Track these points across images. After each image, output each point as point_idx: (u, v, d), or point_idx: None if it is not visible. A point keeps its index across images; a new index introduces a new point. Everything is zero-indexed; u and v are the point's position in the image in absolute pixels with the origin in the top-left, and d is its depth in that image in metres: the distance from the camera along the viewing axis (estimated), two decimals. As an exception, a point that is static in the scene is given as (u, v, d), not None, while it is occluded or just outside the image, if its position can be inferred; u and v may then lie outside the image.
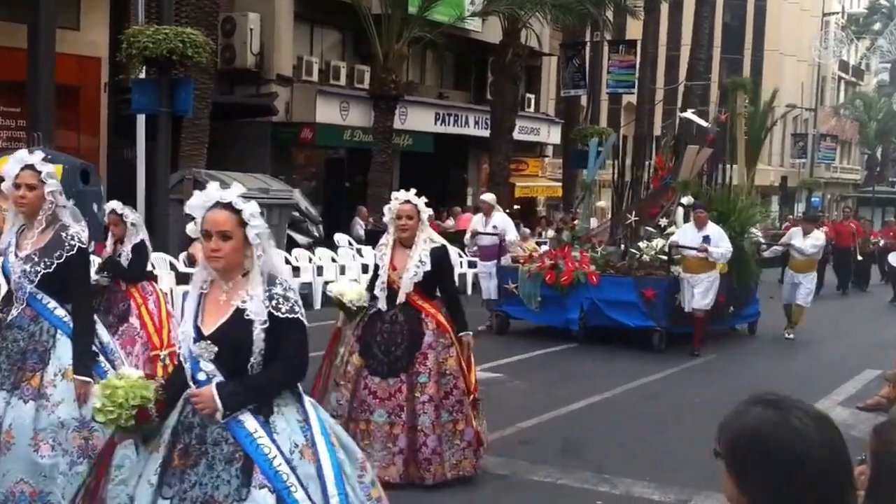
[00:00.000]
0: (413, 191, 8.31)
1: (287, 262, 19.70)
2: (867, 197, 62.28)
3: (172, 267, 16.73)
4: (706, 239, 15.07)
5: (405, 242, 8.15)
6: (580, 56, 37.42)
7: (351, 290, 8.40)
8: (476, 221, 17.88)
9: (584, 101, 39.71)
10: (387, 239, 8.30)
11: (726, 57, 70.19)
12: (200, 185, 20.01)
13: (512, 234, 17.45)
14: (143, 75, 19.23)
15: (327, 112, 28.86)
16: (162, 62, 18.03)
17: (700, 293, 15.20)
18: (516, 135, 32.89)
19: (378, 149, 26.97)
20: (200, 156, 21.51)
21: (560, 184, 38.77)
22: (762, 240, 19.17)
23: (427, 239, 8.15)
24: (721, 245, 15.08)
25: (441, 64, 34.07)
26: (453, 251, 10.80)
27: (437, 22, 27.68)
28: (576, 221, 20.30)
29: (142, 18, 20.32)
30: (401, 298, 8.05)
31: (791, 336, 17.75)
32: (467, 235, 17.94)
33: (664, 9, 41.98)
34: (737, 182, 20.18)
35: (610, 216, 19.84)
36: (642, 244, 16.72)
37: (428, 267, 8.04)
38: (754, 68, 71.48)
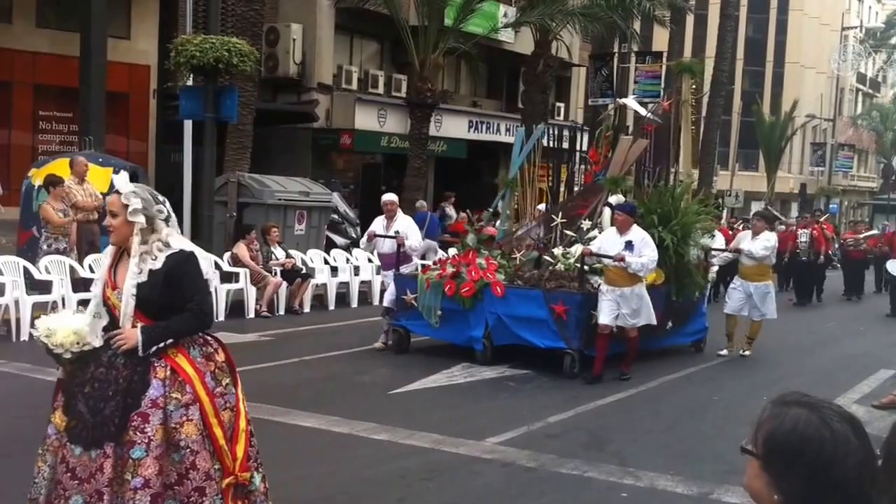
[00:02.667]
0: (123, 176, 5.59)
1: (325, 262, 19.71)
2: (882, 204, 61.95)
3: (217, 266, 16.72)
4: (628, 246, 12.22)
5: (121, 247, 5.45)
6: (608, 66, 37.26)
7: (64, 327, 5.39)
8: (376, 224, 14.77)
9: (611, 109, 39.44)
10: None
11: (749, 69, 70.04)
12: (244, 189, 20.14)
13: (414, 240, 14.56)
14: (190, 83, 19.26)
15: (366, 119, 28.88)
16: (208, 70, 18.05)
17: (630, 311, 12.37)
18: (545, 142, 32.81)
19: (414, 154, 26.92)
20: (244, 160, 21.52)
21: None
22: (713, 245, 16.13)
23: (157, 242, 5.25)
24: (644, 254, 12.19)
25: (475, 74, 33.97)
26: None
27: (471, 33, 27.61)
28: (481, 223, 15.76)
29: (189, 28, 20.37)
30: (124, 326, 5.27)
31: (746, 353, 15.12)
32: (363, 239, 15.31)
33: (689, 23, 41.79)
34: (683, 179, 16.73)
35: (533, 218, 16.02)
36: (557, 251, 14.01)
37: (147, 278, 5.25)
38: (775, 80, 71.33)
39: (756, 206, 45.08)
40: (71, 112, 21.67)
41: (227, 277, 16.65)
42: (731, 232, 23.57)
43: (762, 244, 15.03)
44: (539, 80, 30.77)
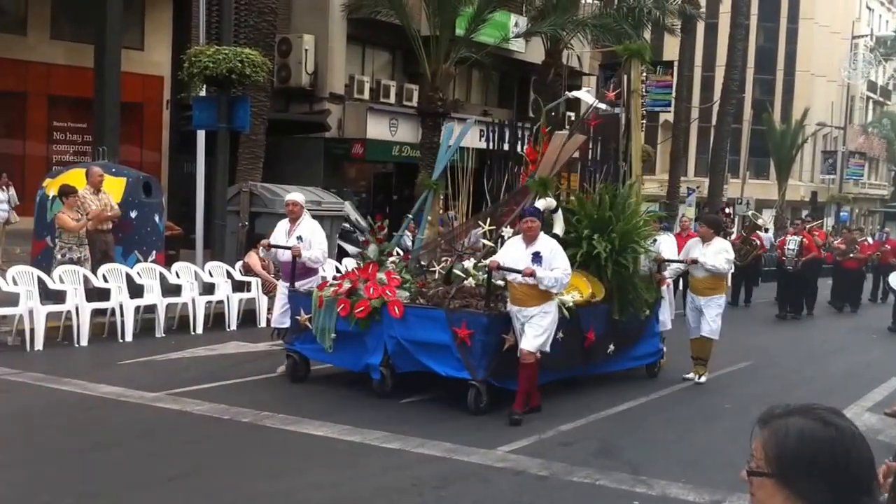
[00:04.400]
0: None
1: (337, 270, 19.72)
2: (894, 212, 61.73)
3: (229, 275, 16.74)
4: (535, 258, 10.43)
5: None
6: (619, 76, 37.24)
7: None
8: (278, 230, 13.00)
9: (622, 118, 39.44)
10: None
11: (759, 77, 70.02)
12: (256, 198, 20.17)
13: (317, 250, 12.66)
14: (203, 93, 19.31)
15: (377, 128, 28.93)
16: (221, 81, 18.10)
17: (531, 333, 10.41)
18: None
19: (425, 163, 26.89)
20: (257, 170, 21.55)
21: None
22: (666, 256, 13.78)
23: None
24: (555, 266, 10.40)
25: (486, 83, 34.03)
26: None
27: (482, 43, 27.61)
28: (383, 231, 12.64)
29: (203, 39, 20.42)
30: None
31: (702, 380, 13.38)
32: (261, 248, 13.71)
33: (700, 32, 41.83)
34: (633, 180, 14.19)
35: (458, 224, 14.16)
36: (469, 263, 12.20)
37: None
38: (786, 88, 71.33)
39: (767, 214, 45.05)
40: (85, 122, 21.76)
41: (238, 287, 16.65)
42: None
43: (716, 254, 13.25)
44: (549, 89, 30.73)
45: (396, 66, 32.10)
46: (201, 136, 19.25)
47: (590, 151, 14.36)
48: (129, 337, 14.31)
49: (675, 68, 39.50)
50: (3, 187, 20.01)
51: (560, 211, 12.46)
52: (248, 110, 18.71)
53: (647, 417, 11.13)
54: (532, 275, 10.24)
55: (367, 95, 29.50)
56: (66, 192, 14.55)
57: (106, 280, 14.46)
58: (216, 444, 8.94)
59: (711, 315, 13.44)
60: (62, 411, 10.01)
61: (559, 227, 12.28)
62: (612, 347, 12.59)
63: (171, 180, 23.68)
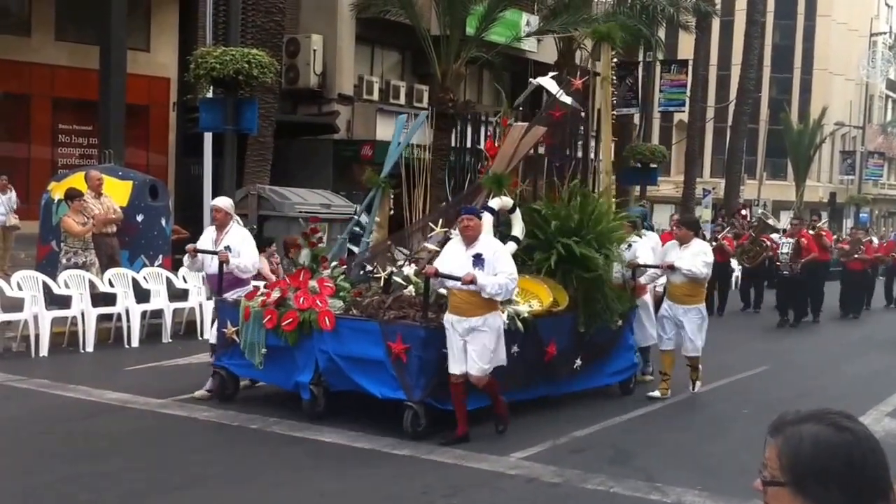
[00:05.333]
0: None
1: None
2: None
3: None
4: (476, 261, 9.40)
5: None
6: (633, 76, 37.30)
7: None
8: (204, 237, 12.09)
9: (636, 118, 39.53)
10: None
11: (776, 76, 69.88)
12: (265, 201, 20.20)
13: (247, 258, 11.54)
14: (210, 95, 19.35)
15: (387, 130, 28.90)
16: (228, 82, 18.12)
17: (479, 349, 9.37)
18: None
19: (436, 166, 26.92)
20: (264, 173, 21.59)
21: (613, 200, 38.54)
22: (640, 261, 12.77)
23: None
24: (499, 270, 9.35)
25: (497, 83, 34.00)
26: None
27: (493, 42, 27.61)
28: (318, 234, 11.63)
29: (209, 40, 20.46)
30: None
31: (696, 388, 12.71)
32: (185, 256, 12.16)
33: (715, 30, 41.79)
34: (605, 174, 13.33)
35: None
36: (410, 269, 11.27)
37: None
38: (803, 87, 71.20)
39: (785, 217, 44.94)
40: (90, 125, 21.81)
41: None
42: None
43: (693, 257, 12.23)
44: (562, 90, 30.75)
45: (406, 66, 32.12)
46: (208, 138, 19.29)
47: (554, 147, 13.05)
48: (135, 342, 14.35)
49: (690, 67, 39.47)
50: (4, 190, 20.04)
51: (518, 211, 11.55)
52: (256, 112, 18.73)
53: (662, 423, 11.09)
54: (472, 282, 9.20)
55: (376, 96, 29.52)
56: (73, 195, 14.60)
57: (112, 285, 14.48)
58: (223, 451, 8.95)
59: (693, 330, 12.37)
60: (67, 418, 10.03)
61: (518, 229, 11.43)
62: (578, 363, 11.50)
63: (178, 183, 23.71)
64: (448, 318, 9.46)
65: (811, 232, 23.10)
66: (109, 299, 14.35)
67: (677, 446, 10.03)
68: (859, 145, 70.31)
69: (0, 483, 7.79)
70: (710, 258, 12.62)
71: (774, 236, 23.92)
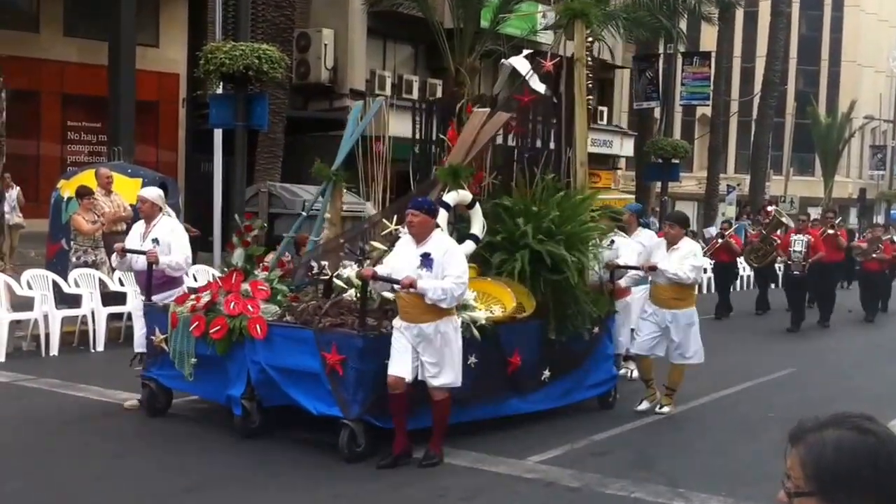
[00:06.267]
0: None
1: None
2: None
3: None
4: (424, 261, 8.59)
5: None
6: (653, 68, 37.22)
7: None
8: (133, 233, 11.27)
9: (657, 112, 39.42)
10: None
11: (802, 68, 69.60)
12: (275, 199, 20.28)
13: (178, 255, 10.82)
14: (220, 91, 19.43)
15: (399, 125, 28.91)
16: (238, 78, 18.21)
17: (433, 359, 8.58)
18: (588, 147, 32.77)
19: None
20: (275, 169, 21.67)
21: (633, 196, 38.52)
22: (621, 261, 11.99)
23: None
24: (448, 273, 8.49)
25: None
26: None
27: (509, 35, 27.62)
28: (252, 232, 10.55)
29: (219, 35, 20.55)
30: None
31: (665, 409, 11.47)
32: (114, 256, 11.38)
33: (738, 21, 41.61)
34: (580, 165, 12.09)
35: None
36: (350, 271, 10.27)
37: None
38: (831, 80, 70.86)
39: (814, 213, 44.78)
40: (100, 122, 21.91)
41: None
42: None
43: (682, 259, 11.30)
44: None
45: (419, 60, 32.13)
46: (218, 134, 19.37)
47: (525, 136, 12.18)
48: (145, 342, 14.42)
49: (713, 59, 39.33)
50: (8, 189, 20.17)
51: (478, 206, 10.69)
52: (266, 108, 18.80)
53: (686, 427, 11.05)
54: (412, 286, 8.40)
55: (388, 91, 29.55)
56: (83, 193, 14.70)
57: (122, 283, 14.58)
58: (235, 453, 8.99)
59: (683, 338, 11.43)
60: (77, 418, 10.11)
61: (478, 227, 10.61)
62: (546, 374, 10.64)
63: (188, 180, 23.81)
64: (397, 322, 8.73)
65: (831, 231, 22.04)
66: (120, 298, 14.45)
67: (702, 450, 9.99)
68: (890, 139, 69.95)
69: (10, 483, 7.84)
70: (700, 262, 11.73)
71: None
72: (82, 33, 22.28)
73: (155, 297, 10.58)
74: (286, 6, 23.10)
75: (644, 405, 11.52)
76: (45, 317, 13.43)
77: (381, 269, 8.92)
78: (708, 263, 26.01)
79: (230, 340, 9.41)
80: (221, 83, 19.26)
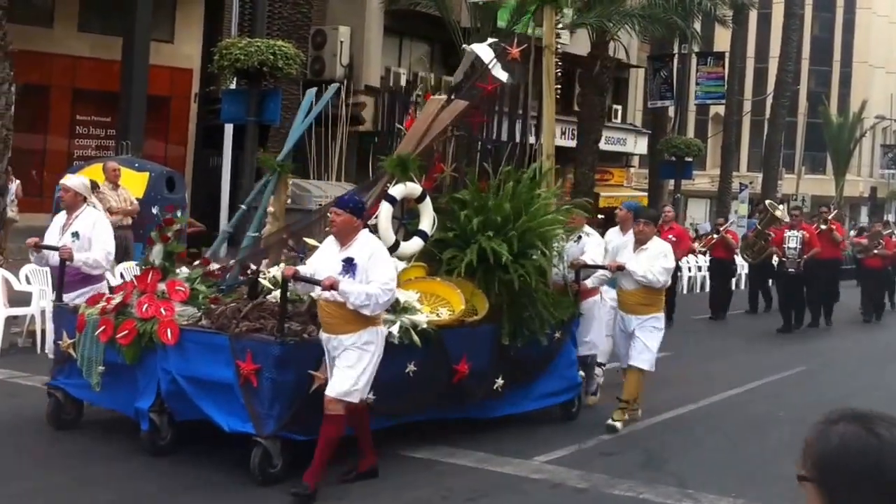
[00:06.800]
0: None
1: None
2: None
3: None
4: (347, 265, 7.54)
5: None
6: (668, 68, 37.12)
7: None
8: (53, 224, 10.23)
9: (671, 111, 39.32)
10: None
11: (814, 69, 69.50)
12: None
13: (98, 251, 9.77)
14: (233, 86, 19.29)
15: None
16: (252, 73, 18.12)
17: (339, 373, 7.48)
18: (602, 145, 32.48)
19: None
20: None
21: (646, 193, 38.34)
22: (588, 260, 10.84)
23: None
24: (372, 278, 7.47)
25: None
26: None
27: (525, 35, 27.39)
28: (174, 226, 9.62)
29: (235, 31, 20.39)
30: None
31: (617, 424, 10.16)
32: (31, 251, 10.46)
33: (752, 22, 41.40)
34: (546, 158, 11.16)
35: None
36: (277, 270, 9.00)
37: None
38: (843, 80, 70.82)
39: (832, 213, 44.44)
40: (109, 116, 21.78)
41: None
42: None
43: (651, 260, 10.31)
44: (596, 82, 30.45)
45: (435, 58, 31.93)
46: (228, 129, 19.22)
47: (489, 126, 11.29)
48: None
49: (727, 60, 39.18)
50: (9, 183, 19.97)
51: (428, 200, 9.82)
52: (279, 103, 18.72)
53: (695, 426, 10.84)
54: (333, 287, 7.40)
55: (403, 88, 29.37)
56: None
57: (124, 278, 14.27)
58: (241, 452, 8.68)
59: (646, 339, 10.38)
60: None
61: (427, 223, 9.76)
62: (499, 382, 9.63)
63: (196, 175, 23.65)
64: (322, 334, 7.74)
65: (823, 227, 20.72)
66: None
67: (711, 450, 9.81)
68: (901, 139, 69.85)
69: (8, 483, 7.60)
70: (671, 263, 10.54)
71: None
72: (97, 29, 22.12)
73: (67, 297, 9.51)
74: (303, 3, 22.94)
75: (618, 424, 10.21)
76: (43, 312, 12.94)
77: (304, 269, 7.92)
78: (704, 260, 25.67)
79: (139, 346, 8.35)
80: (235, 79, 19.15)
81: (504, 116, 11.42)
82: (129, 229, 15.08)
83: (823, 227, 20.67)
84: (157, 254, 8.96)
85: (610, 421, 10.16)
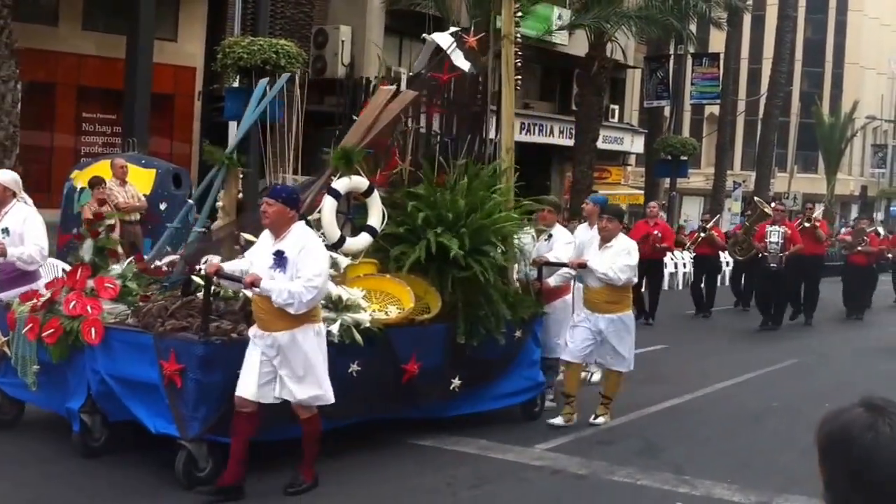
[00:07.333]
0: None
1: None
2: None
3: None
4: (277, 259, 7.14)
5: None
6: (664, 68, 37.21)
7: None
8: None
9: (667, 111, 39.41)
10: None
11: (807, 70, 69.56)
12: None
13: (32, 246, 9.00)
14: (236, 84, 19.30)
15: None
16: (256, 72, 18.08)
17: (291, 372, 7.13)
18: (600, 144, 32.54)
19: (464, 157, 26.77)
20: (288, 162, 21.49)
21: (642, 191, 38.44)
22: (551, 257, 10.37)
23: None
24: (302, 273, 7.03)
25: (528, 76, 33.77)
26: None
27: (524, 35, 27.35)
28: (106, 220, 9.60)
29: (238, 30, 20.39)
30: None
31: (600, 419, 10.01)
32: None
33: (746, 24, 41.51)
34: (506, 152, 10.46)
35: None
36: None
37: None
38: (835, 81, 70.86)
39: (817, 210, 44.43)
40: (114, 114, 21.78)
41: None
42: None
43: (615, 257, 9.83)
44: (593, 82, 30.49)
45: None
46: (233, 127, 19.22)
47: (446, 119, 10.75)
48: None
49: (722, 61, 39.25)
50: None
51: (376, 194, 9.31)
52: (282, 102, 18.65)
53: (692, 416, 10.87)
54: (254, 285, 7.05)
55: (403, 87, 29.40)
56: (95, 183, 14.56)
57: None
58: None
59: (618, 342, 9.97)
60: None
61: (375, 218, 9.27)
62: (456, 383, 9.16)
63: (201, 172, 23.65)
64: (252, 330, 7.30)
65: (807, 225, 20.13)
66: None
67: (706, 439, 9.84)
68: (891, 139, 69.92)
69: (10, 485, 7.48)
70: (634, 260, 9.98)
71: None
72: (101, 27, 22.11)
73: (3, 295, 8.95)
74: (305, 3, 22.94)
75: (559, 420, 9.83)
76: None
77: (230, 265, 7.56)
78: (688, 257, 25.53)
79: (66, 345, 7.96)
80: (238, 77, 19.16)
81: (464, 108, 10.75)
82: (137, 225, 15.12)
83: (807, 224, 20.16)
84: (86, 250, 8.69)
85: (593, 418, 9.96)
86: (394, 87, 10.23)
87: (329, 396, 7.25)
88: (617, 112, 38.26)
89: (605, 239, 9.93)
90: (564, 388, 10.09)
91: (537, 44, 28.64)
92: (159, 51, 20.70)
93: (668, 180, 36.73)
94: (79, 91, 22.29)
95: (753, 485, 8.01)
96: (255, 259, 7.32)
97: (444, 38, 10.50)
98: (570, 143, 32.27)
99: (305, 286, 6.92)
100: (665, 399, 11.47)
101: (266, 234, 7.38)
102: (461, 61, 10.28)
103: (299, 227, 7.29)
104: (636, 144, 38.88)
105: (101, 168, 15.58)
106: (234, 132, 19.11)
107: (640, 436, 9.69)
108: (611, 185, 38.20)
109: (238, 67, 18.38)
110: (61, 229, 15.94)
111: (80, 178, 15.66)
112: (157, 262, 9.45)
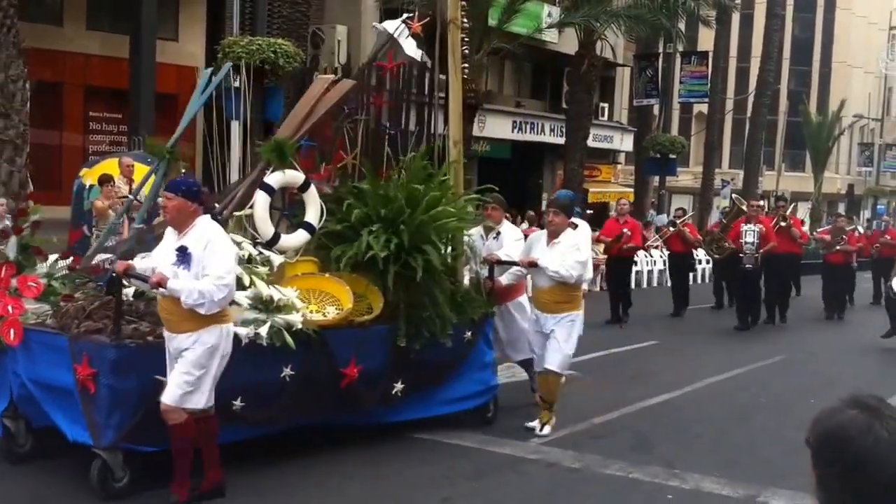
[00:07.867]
0: None
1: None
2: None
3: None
4: (181, 255, 6.71)
5: None
6: (653, 67, 37.30)
7: None
8: None
9: (656, 110, 39.50)
10: None
11: (795, 68, 69.57)
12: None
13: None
14: (236, 84, 19.41)
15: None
16: (254, 71, 18.18)
17: (175, 378, 6.70)
18: (590, 142, 32.69)
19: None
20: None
21: (632, 189, 38.59)
22: (503, 255, 9.84)
23: None
24: (209, 271, 6.62)
25: (518, 74, 33.95)
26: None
27: (515, 34, 27.55)
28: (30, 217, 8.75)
29: (237, 30, 20.49)
30: None
31: (544, 431, 9.38)
32: None
33: (735, 22, 41.59)
34: (454, 145, 9.88)
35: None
36: (140, 262, 7.44)
37: None
38: (822, 79, 70.86)
39: (803, 208, 44.75)
40: (120, 113, 21.88)
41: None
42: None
43: (563, 253, 9.28)
44: (583, 80, 30.63)
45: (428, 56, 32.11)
46: (235, 126, 19.33)
47: (391, 110, 10.26)
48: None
49: (710, 59, 39.35)
50: None
51: (313, 190, 8.90)
52: (282, 101, 18.82)
53: (682, 411, 11.02)
54: (160, 285, 6.62)
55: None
56: (104, 180, 14.72)
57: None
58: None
59: (560, 339, 9.37)
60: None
61: (313, 214, 8.88)
62: (398, 387, 8.71)
63: (204, 171, 23.76)
64: (164, 332, 6.88)
65: (783, 224, 19.55)
66: (138, 283, 14.34)
67: (697, 434, 9.98)
68: (878, 137, 69.92)
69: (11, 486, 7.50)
70: (585, 255, 9.45)
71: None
72: (105, 27, 22.21)
73: None
74: (301, 3, 23.04)
75: (534, 424, 9.48)
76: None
77: (142, 263, 7.06)
78: (661, 254, 25.42)
79: None
80: (238, 76, 19.26)
81: (412, 99, 10.20)
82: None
83: (783, 224, 19.57)
84: (11, 247, 8.19)
85: (533, 424, 9.46)
86: (332, 77, 9.81)
87: (196, 404, 6.72)
88: (607, 110, 38.40)
89: (553, 234, 9.41)
90: (540, 390, 9.69)
91: (528, 41, 28.83)
92: (161, 50, 20.81)
93: (657, 178, 36.86)
94: (86, 90, 22.41)
95: (742, 479, 8.14)
96: (160, 257, 6.90)
97: (393, 26, 10.03)
98: (562, 141, 32.40)
99: (216, 284, 6.55)
100: (656, 395, 11.64)
101: (170, 231, 6.96)
102: (413, 50, 9.88)
103: (203, 222, 6.83)
104: (626, 143, 39.02)
105: (110, 166, 15.70)
106: (236, 131, 19.25)
107: (632, 431, 9.84)
108: (601, 183, 38.37)
109: (237, 66, 18.49)
110: (71, 226, 16.12)
111: (88, 176, 15.78)
112: (96, 260, 8.94)
